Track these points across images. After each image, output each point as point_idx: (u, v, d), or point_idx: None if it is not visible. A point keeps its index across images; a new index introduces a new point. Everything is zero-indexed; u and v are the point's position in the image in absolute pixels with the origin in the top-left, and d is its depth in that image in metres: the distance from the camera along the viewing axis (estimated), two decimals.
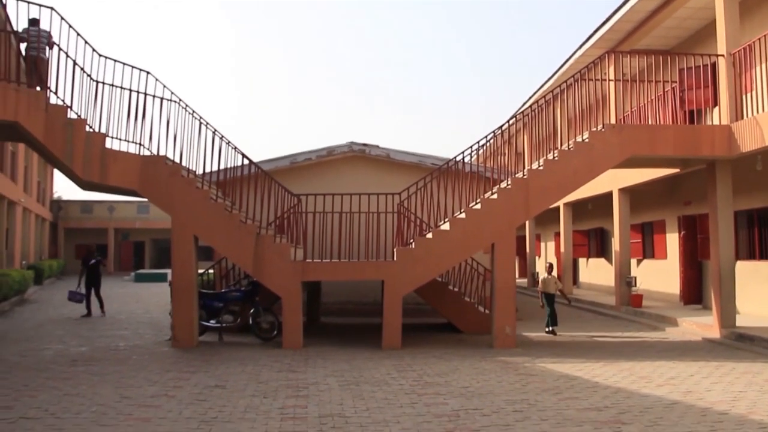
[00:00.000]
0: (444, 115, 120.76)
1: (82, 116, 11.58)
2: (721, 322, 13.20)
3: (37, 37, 11.80)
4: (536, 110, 13.44)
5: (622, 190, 18.54)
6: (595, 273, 24.88)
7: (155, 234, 46.31)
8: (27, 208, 31.08)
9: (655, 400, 7.89)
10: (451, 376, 9.40)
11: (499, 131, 13.00)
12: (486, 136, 12.94)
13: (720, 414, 7.22)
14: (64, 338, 13.48)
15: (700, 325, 14.07)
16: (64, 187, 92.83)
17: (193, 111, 12.65)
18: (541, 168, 12.38)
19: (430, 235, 12.51)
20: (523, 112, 13.22)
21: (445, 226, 12.58)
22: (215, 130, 12.70)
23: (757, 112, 12.26)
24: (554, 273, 20.20)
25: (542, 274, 15.21)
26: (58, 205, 44.22)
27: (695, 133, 12.88)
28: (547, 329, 14.24)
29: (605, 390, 8.46)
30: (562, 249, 22.92)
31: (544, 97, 13.39)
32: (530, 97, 24.45)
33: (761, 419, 6.98)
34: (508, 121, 13.14)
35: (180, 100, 12.53)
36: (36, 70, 11.81)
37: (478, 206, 12.43)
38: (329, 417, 7.09)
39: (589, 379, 9.20)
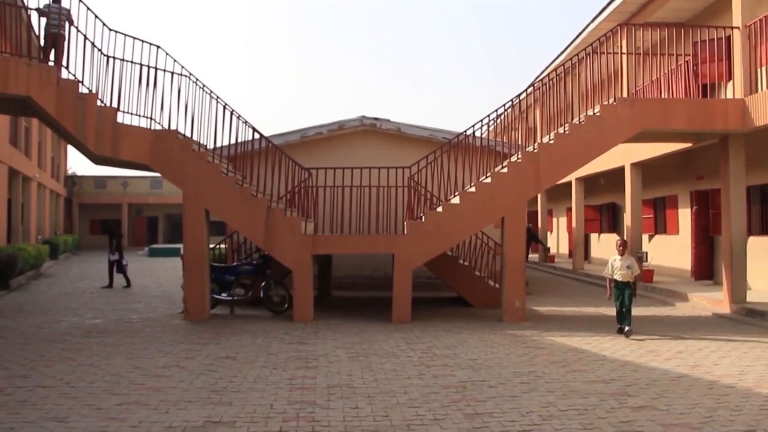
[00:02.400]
0: (455, 91, 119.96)
1: (94, 91, 11.63)
2: (732, 297, 13.16)
3: (58, 13, 11.82)
4: (548, 84, 13.36)
5: (634, 165, 18.43)
6: (607, 248, 24.78)
7: (169, 209, 46.57)
8: (41, 184, 31.31)
9: (662, 373, 7.93)
10: (459, 348, 9.47)
11: (510, 105, 12.93)
12: (497, 110, 12.88)
13: (726, 387, 7.25)
14: (78, 311, 13.67)
15: (711, 301, 14.05)
16: (78, 163, 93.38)
17: (204, 85, 12.67)
18: (551, 142, 12.32)
19: (440, 209, 12.52)
20: (534, 85, 13.12)
21: (456, 200, 12.59)
22: (225, 104, 12.71)
23: None
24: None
25: (614, 254, 10.96)
26: (73, 181, 44.51)
27: (708, 107, 12.76)
28: (621, 328, 10.69)
29: (613, 363, 8.50)
30: (574, 224, 22.87)
31: (556, 71, 13.28)
32: (542, 72, 24.25)
33: (767, 392, 7.00)
34: (519, 95, 13.06)
35: (190, 74, 12.54)
36: (56, 47, 11.84)
37: (489, 180, 12.41)
38: (337, 387, 7.19)
39: (596, 352, 9.24)
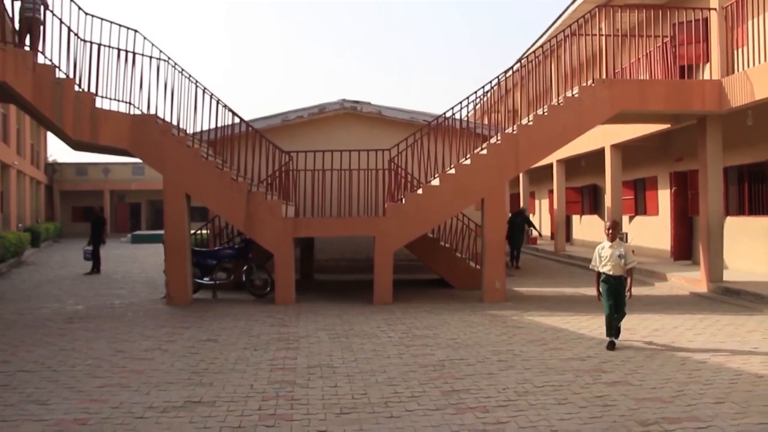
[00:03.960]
0: (437, 76, 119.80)
1: (71, 76, 11.54)
2: (709, 276, 13.36)
3: None
4: (528, 67, 13.41)
5: (614, 146, 18.57)
6: (589, 230, 25.03)
7: (151, 195, 46.31)
8: (21, 171, 31.03)
9: (638, 350, 8.07)
10: (439, 328, 9.58)
11: (490, 86, 12.98)
12: (476, 91, 12.92)
13: (699, 363, 7.40)
14: (60, 297, 13.64)
15: (688, 280, 14.25)
16: (59, 150, 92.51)
17: (182, 69, 12.61)
18: (530, 123, 12.40)
19: (420, 191, 12.59)
20: (513, 68, 13.17)
21: (436, 182, 12.66)
22: (205, 88, 12.68)
23: (749, 66, 12.26)
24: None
25: (604, 241, 8.57)
26: (53, 168, 44.09)
27: (686, 88, 12.89)
28: (612, 342, 8.25)
29: (590, 341, 8.63)
30: (555, 206, 23.04)
31: (535, 53, 13.34)
32: (524, 54, 24.30)
33: (738, 367, 7.16)
34: (498, 76, 13.11)
35: (169, 58, 12.48)
36: (31, 32, 11.71)
37: (468, 162, 12.48)
38: (317, 367, 7.27)
39: (574, 331, 9.38)
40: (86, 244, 19.19)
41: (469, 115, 14.36)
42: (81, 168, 44.78)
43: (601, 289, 8.45)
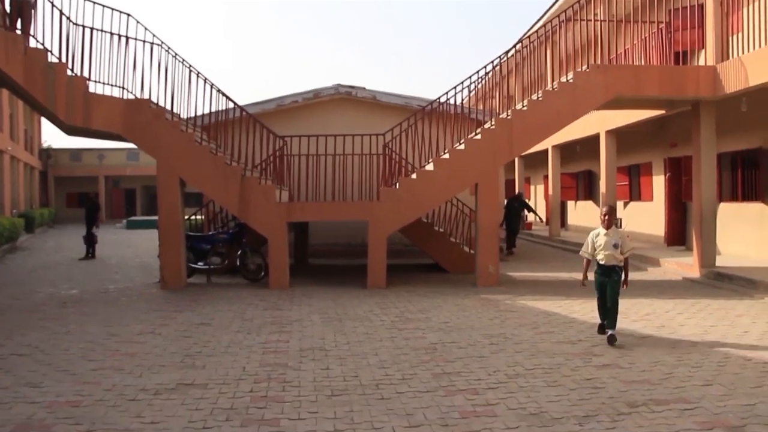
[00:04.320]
0: (433, 64, 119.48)
1: (63, 61, 11.49)
2: (701, 261, 13.41)
3: None
4: (523, 52, 13.38)
5: (609, 132, 18.58)
6: (583, 215, 25.08)
7: (146, 181, 46.18)
8: (15, 157, 30.92)
9: (629, 333, 8.11)
10: (432, 312, 9.62)
11: (485, 72, 12.95)
12: (470, 76, 12.91)
13: (689, 346, 7.46)
14: (55, 282, 13.65)
15: (681, 265, 14.31)
16: (53, 136, 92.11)
17: (176, 54, 12.57)
18: (525, 108, 12.40)
19: (414, 176, 12.60)
20: (507, 53, 13.13)
21: (430, 167, 12.67)
22: (198, 72, 12.65)
23: (744, 52, 12.25)
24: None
25: (598, 228, 8.00)
26: (47, 154, 43.92)
27: (680, 74, 12.88)
28: (602, 325, 8.00)
29: (581, 325, 8.68)
30: (550, 191, 23.06)
31: (530, 38, 13.31)
32: (520, 40, 24.20)
33: (726, 350, 7.22)
34: (492, 61, 13.08)
35: (162, 42, 12.43)
36: (22, 16, 11.63)
37: (462, 147, 12.48)
38: (310, 350, 7.31)
39: (566, 315, 9.43)
40: (90, 231, 19.06)
41: (465, 100, 14.32)
42: (75, 154, 44.64)
43: (593, 279, 7.96)
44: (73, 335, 8.30)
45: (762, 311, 9.55)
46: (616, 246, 7.69)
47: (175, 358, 7.02)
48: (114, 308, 10.34)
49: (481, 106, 17.38)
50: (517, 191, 25.56)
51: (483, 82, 13.39)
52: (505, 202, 20.96)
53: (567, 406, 5.31)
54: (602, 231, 7.86)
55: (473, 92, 14.50)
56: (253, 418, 5.09)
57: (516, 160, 27.36)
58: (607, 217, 7.84)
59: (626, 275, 7.86)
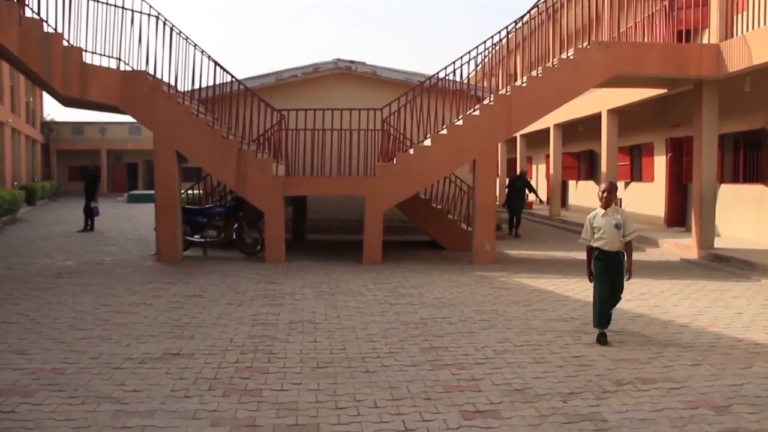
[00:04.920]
0: (435, 42, 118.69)
1: (59, 31, 11.38)
2: (700, 243, 13.33)
3: None
4: (524, 30, 13.21)
5: (610, 111, 18.43)
6: (584, 195, 24.96)
7: (148, 155, 45.94)
8: (16, 129, 30.84)
9: (622, 313, 8.04)
10: (425, 288, 9.59)
11: (483, 47, 12.80)
12: (469, 51, 12.76)
13: (681, 326, 7.41)
14: (51, 253, 13.64)
15: (680, 246, 14.24)
16: (55, 109, 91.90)
17: (173, 25, 12.43)
18: (524, 85, 12.27)
19: (411, 151, 12.51)
20: (507, 28, 12.96)
21: (427, 143, 12.58)
22: (196, 44, 12.52)
23: (748, 31, 12.08)
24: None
25: (596, 209, 6.93)
26: (50, 127, 43.81)
27: (682, 52, 12.71)
28: (602, 334, 6.65)
29: (575, 303, 8.64)
30: (552, 171, 22.95)
31: (530, 15, 13.14)
32: (522, 17, 23.95)
33: (719, 331, 7.18)
34: (492, 36, 12.92)
35: (159, 14, 12.29)
36: None
37: (461, 123, 12.37)
38: (299, 323, 7.29)
39: (560, 293, 9.39)
40: (89, 203, 19.00)
41: (469, 76, 14.13)
42: (77, 127, 44.51)
43: (593, 269, 6.82)
44: (65, 305, 8.29)
45: (758, 293, 9.49)
46: (618, 227, 6.63)
47: (164, 329, 7.01)
48: (108, 279, 10.33)
49: (484, 84, 17.25)
50: (519, 171, 25.19)
51: (484, 58, 13.24)
52: (507, 181, 20.54)
53: (552, 383, 5.28)
54: (600, 211, 6.77)
55: (476, 69, 14.36)
56: (235, 388, 5.08)
57: (518, 138, 27.24)
58: (605, 194, 6.72)
59: (630, 262, 6.77)
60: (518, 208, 18.21)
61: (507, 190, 18.93)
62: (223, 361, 5.79)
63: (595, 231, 6.76)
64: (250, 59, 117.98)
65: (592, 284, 6.90)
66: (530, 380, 5.33)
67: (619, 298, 6.88)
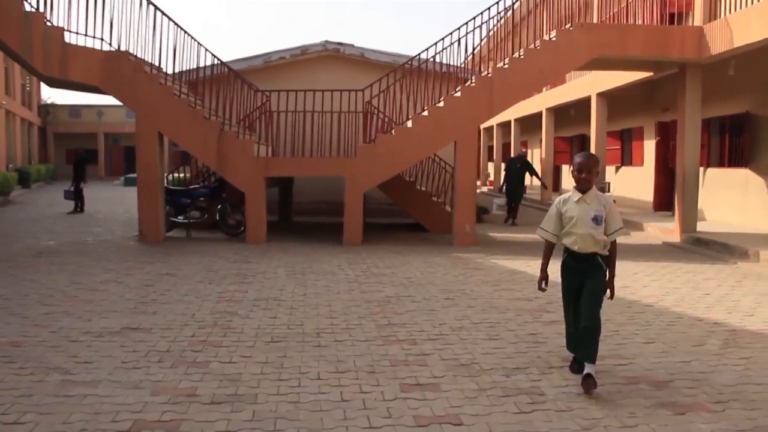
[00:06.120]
0: (430, 20, 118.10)
1: (40, 10, 11.38)
2: (682, 226, 13.35)
3: None
4: (511, 19, 13.16)
5: (600, 95, 18.39)
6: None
7: None
8: (11, 111, 30.88)
9: None
10: (399, 268, 9.64)
11: (465, 29, 12.74)
12: (451, 33, 12.69)
13: (645, 306, 7.45)
14: (37, 234, 13.71)
15: (663, 230, 14.26)
16: (54, 92, 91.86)
17: (156, 6, 12.41)
18: (506, 66, 12.26)
19: (393, 133, 12.52)
20: (484, 12, 12.90)
21: (409, 124, 12.59)
22: (179, 25, 12.51)
23: (730, 13, 12.04)
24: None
25: (569, 192, 5.05)
26: (46, 110, 43.80)
27: (665, 34, 12.67)
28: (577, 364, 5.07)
29: None
30: (543, 155, 22.94)
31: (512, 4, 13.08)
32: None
33: (681, 311, 7.21)
34: (474, 18, 12.86)
35: None
36: None
37: (442, 104, 12.37)
38: (264, 300, 7.35)
39: (533, 273, 9.38)
40: (78, 185, 19.10)
41: (465, 62, 13.99)
42: (74, 110, 44.49)
43: (561, 275, 5.09)
44: (37, 283, 8.35)
45: (730, 275, 9.52)
46: (597, 220, 4.77)
47: (129, 305, 7.08)
48: (86, 259, 10.39)
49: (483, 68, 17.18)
50: (516, 152, 23.43)
51: (470, 39, 13.22)
52: (504, 165, 19.33)
53: (500, 359, 5.33)
54: (575, 196, 4.88)
55: (469, 55, 14.31)
56: (185, 360, 5.15)
57: (512, 123, 27.24)
58: (583, 174, 4.78)
59: (612, 271, 4.99)
60: (517, 193, 16.87)
61: (504, 173, 17.52)
62: (179, 336, 5.85)
63: (565, 223, 4.91)
64: (247, 40, 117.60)
65: (544, 290, 5.23)
66: (479, 356, 5.39)
67: (593, 327, 4.74)
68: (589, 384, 4.57)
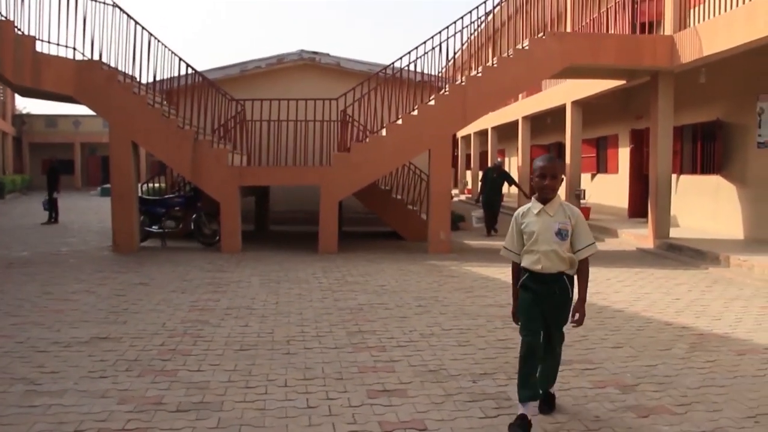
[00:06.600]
0: (416, 32, 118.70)
1: (11, 18, 11.30)
2: (656, 233, 13.49)
3: None
4: (486, 31, 13.28)
5: (575, 103, 18.55)
6: None
7: None
8: None
9: None
10: (373, 276, 9.66)
11: (440, 40, 12.82)
12: (424, 42, 12.78)
13: (615, 311, 7.51)
14: (9, 245, 13.57)
15: (637, 236, 14.41)
16: (31, 102, 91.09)
17: (129, 15, 12.38)
18: (479, 75, 12.36)
19: (368, 141, 12.57)
20: (457, 21, 13.01)
21: (384, 132, 12.64)
22: (152, 34, 12.47)
23: (700, 22, 12.23)
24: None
25: (531, 202, 4.27)
26: (22, 120, 43.35)
27: (637, 43, 12.84)
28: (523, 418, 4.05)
29: None
30: (520, 163, 23.09)
31: (492, 13, 13.19)
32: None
33: (651, 315, 7.29)
34: (447, 27, 12.96)
35: (115, 3, 12.22)
36: None
37: (416, 113, 12.44)
38: (236, 309, 7.33)
39: (506, 280, 9.44)
40: (52, 195, 18.91)
41: (443, 70, 14.00)
42: (51, 120, 44.10)
43: (519, 301, 4.35)
44: (7, 294, 8.26)
45: (701, 281, 9.63)
46: (562, 234, 4.09)
47: (100, 315, 7.02)
48: (59, 269, 10.30)
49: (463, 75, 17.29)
50: (492, 161, 23.75)
51: (446, 48, 13.29)
52: (481, 174, 18.81)
53: (469, 364, 5.36)
54: (536, 207, 4.17)
55: (447, 64, 14.38)
56: (153, 369, 5.12)
57: (489, 131, 27.40)
58: (546, 180, 4.07)
59: (583, 296, 4.28)
60: (494, 204, 16.39)
61: (481, 183, 17.29)
62: (148, 344, 5.82)
63: (525, 238, 4.20)
64: (231, 49, 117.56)
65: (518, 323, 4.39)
66: (447, 362, 5.41)
67: (557, 356, 4.40)
68: (545, 407, 4.28)
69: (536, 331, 4.21)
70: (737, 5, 11.06)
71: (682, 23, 12.93)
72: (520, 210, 4.30)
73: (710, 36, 11.58)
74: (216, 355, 5.52)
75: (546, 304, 4.20)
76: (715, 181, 14.46)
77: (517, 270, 4.37)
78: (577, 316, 4.24)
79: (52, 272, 9.97)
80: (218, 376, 4.96)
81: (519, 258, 4.29)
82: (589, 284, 4.41)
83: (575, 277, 4.26)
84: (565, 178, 5.50)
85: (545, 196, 4.13)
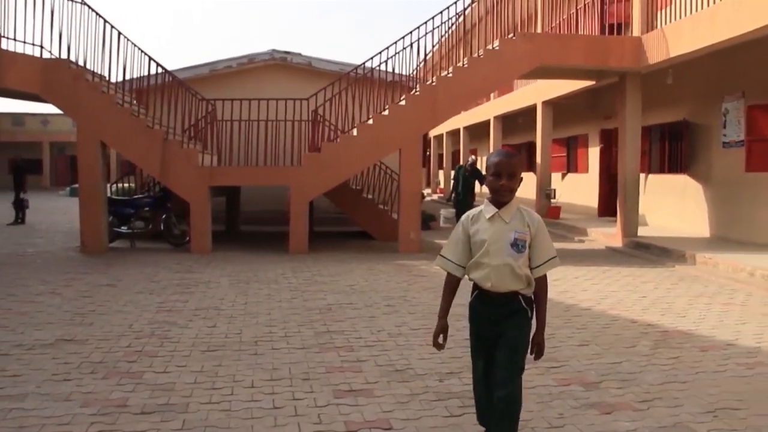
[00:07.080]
0: (386, 30, 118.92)
1: None
2: (624, 231, 13.66)
3: None
4: (457, 31, 13.33)
5: (545, 103, 18.73)
6: (523, 186, 25.18)
7: None
8: None
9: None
10: (343, 276, 9.67)
11: (410, 41, 12.86)
12: (395, 42, 12.81)
13: (582, 310, 7.60)
14: None
15: (606, 235, 14.58)
16: None
17: (98, 13, 12.24)
18: (450, 75, 12.41)
19: (338, 141, 12.57)
20: (428, 21, 13.05)
21: (354, 132, 12.64)
22: (121, 32, 12.34)
23: (667, 23, 12.41)
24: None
25: (483, 204, 3.55)
26: None
27: (605, 44, 13.00)
28: None
29: None
30: None
31: (464, 11, 13.25)
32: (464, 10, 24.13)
33: (617, 313, 7.39)
34: (418, 28, 13.00)
35: (84, 0, 12.07)
36: None
37: (387, 113, 12.47)
38: (204, 310, 7.29)
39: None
40: (18, 195, 18.60)
41: (415, 70, 13.99)
42: (18, 118, 43.35)
43: (470, 323, 3.82)
44: None
45: (667, 278, 9.78)
46: (518, 246, 3.41)
47: (66, 317, 6.94)
48: (24, 270, 10.16)
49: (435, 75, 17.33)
50: (465, 159, 23.57)
51: (418, 48, 13.32)
52: (453, 173, 18.73)
53: (436, 364, 5.39)
54: (488, 211, 3.47)
55: (420, 63, 14.41)
56: (119, 371, 5.07)
57: (461, 131, 27.54)
58: (502, 180, 3.38)
59: (542, 319, 3.58)
60: (465, 202, 16.01)
61: (453, 181, 17.24)
62: (114, 346, 5.77)
63: (474, 248, 3.51)
64: (201, 49, 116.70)
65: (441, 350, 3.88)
66: (414, 361, 5.44)
67: (511, 399, 3.39)
68: None
69: (479, 363, 3.68)
70: (701, 8, 11.24)
71: (649, 25, 13.12)
72: (470, 213, 3.55)
73: (676, 38, 11.77)
74: (183, 356, 5.49)
75: (497, 329, 3.50)
76: (682, 180, 14.68)
77: (451, 285, 3.73)
78: (534, 349, 3.55)
79: (17, 273, 9.83)
80: (184, 377, 4.94)
81: (458, 270, 3.61)
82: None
83: (533, 298, 3.53)
84: (523, 178, 4.85)
85: (500, 198, 3.41)
